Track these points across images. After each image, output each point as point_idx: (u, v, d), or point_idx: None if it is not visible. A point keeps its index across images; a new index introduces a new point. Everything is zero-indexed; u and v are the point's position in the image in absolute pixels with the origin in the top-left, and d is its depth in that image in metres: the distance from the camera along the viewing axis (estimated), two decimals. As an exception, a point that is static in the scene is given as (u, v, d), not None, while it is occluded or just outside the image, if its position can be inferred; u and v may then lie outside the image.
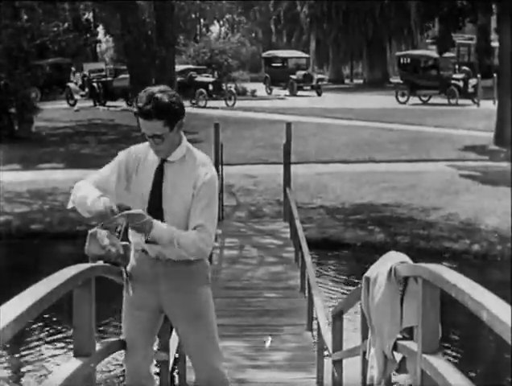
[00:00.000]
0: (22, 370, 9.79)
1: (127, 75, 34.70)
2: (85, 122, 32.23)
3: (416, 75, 38.71)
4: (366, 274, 4.55)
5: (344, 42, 52.19)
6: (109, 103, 38.20)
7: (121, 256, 4.47)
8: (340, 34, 51.47)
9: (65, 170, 21.51)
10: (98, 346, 4.16)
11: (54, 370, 9.30)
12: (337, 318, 6.33)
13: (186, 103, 34.88)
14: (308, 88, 44.48)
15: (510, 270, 12.66)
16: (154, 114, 4.21)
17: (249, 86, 45.14)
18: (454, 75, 38.19)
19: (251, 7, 71.16)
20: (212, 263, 10.94)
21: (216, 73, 42.71)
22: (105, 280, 4.61)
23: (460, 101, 36.25)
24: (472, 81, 37.04)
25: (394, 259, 4.36)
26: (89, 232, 4.50)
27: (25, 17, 31.25)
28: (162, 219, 4.35)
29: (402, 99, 38.32)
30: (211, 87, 37.45)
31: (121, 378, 9.11)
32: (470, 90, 36.77)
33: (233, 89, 38.71)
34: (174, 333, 6.05)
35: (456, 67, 41.29)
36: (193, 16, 75.12)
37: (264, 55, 52.37)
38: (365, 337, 4.87)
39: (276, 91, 45.72)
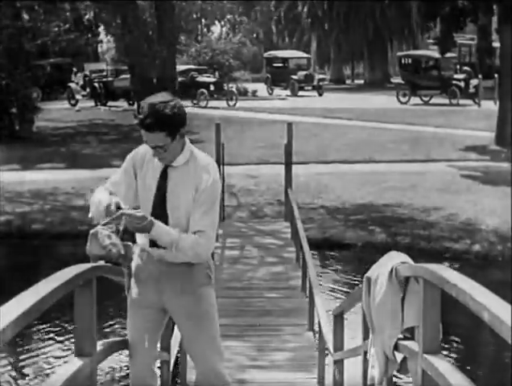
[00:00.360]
0: (23, 370, 9.79)
1: (128, 76, 34.76)
2: (86, 122, 32.24)
3: (417, 76, 38.70)
4: (367, 274, 4.56)
5: (346, 42, 52.20)
6: (110, 103, 38.22)
7: (123, 256, 4.47)
8: (341, 34, 51.47)
9: (66, 170, 21.52)
10: (99, 346, 4.16)
11: (55, 370, 9.30)
12: (338, 318, 6.33)
13: (187, 103, 34.85)
14: (309, 88, 44.48)
15: (511, 270, 12.66)
16: (156, 127, 4.21)
17: (251, 86, 45.15)
18: (455, 76, 38.18)
19: (252, 7, 71.19)
20: (214, 263, 10.94)
21: (217, 73, 42.73)
22: (106, 280, 4.62)
23: (461, 101, 36.25)
24: (474, 81, 37.03)
25: (395, 259, 4.37)
26: (90, 231, 4.50)
27: (26, 17, 31.27)
28: (166, 222, 4.37)
29: (403, 99, 38.32)
30: (212, 87, 37.46)
31: (125, 375, 9.12)
32: (471, 90, 36.76)
33: (234, 89, 38.71)
34: (175, 333, 6.06)
35: (457, 67, 41.26)
36: (194, 16, 75.15)
37: (265, 55, 52.38)
38: (366, 337, 4.87)
39: (277, 91, 45.73)
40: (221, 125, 16.03)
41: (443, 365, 3.47)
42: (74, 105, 38.77)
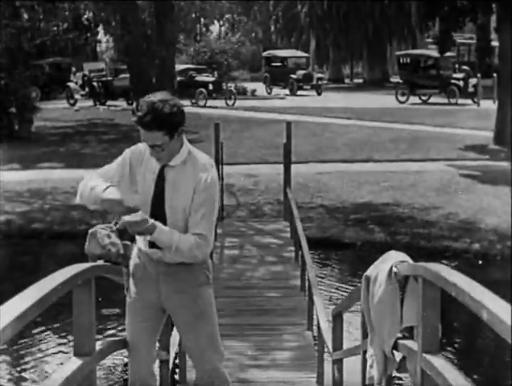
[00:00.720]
0: (23, 370, 9.79)
1: (127, 75, 34.73)
2: (85, 122, 32.22)
3: (416, 75, 38.69)
4: (366, 273, 4.56)
5: (344, 41, 52.17)
6: (109, 102, 38.20)
7: (122, 255, 4.47)
8: (340, 33, 51.44)
9: (65, 169, 21.52)
10: (98, 346, 4.16)
11: (54, 369, 9.31)
12: (337, 317, 6.33)
13: (186, 102, 34.80)
14: (308, 87, 44.44)
15: (510, 269, 12.66)
16: (155, 125, 4.19)
17: (250, 85, 45.13)
18: (454, 75, 38.16)
19: (251, 7, 71.15)
20: (212, 262, 10.95)
21: (216, 73, 42.71)
22: (105, 279, 4.62)
23: (460, 101, 36.24)
24: (472, 81, 37.02)
25: (394, 258, 4.37)
26: (89, 231, 4.50)
27: (25, 16, 31.25)
28: (164, 221, 4.36)
29: (402, 98, 38.31)
30: (211, 86, 37.44)
31: (124, 376, 9.12)
32: (470, 89, 36.74)
33: (233, 89, 38.69)
34: (174, 332, 6.06)
35: (456, 66, 41.26)
36: (193, 16, 75.14)
37: (264, 54, 52.34)
38: (365, 336, 4.87)
39: (276, 90, 45.70)
40: (220, 124, 16.03)
41: (442, 364, 3.47)
42: (73, 105, 38.74)
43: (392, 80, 49.67)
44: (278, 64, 47.57)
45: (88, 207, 4.50)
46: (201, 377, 4.64)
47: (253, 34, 74.60)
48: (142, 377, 4.62)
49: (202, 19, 78.36)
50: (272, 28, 66.23)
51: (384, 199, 17.65)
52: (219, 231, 14.06)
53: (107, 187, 4.28)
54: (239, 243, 13.84)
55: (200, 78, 38.56)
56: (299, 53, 50.45)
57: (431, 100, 38.24)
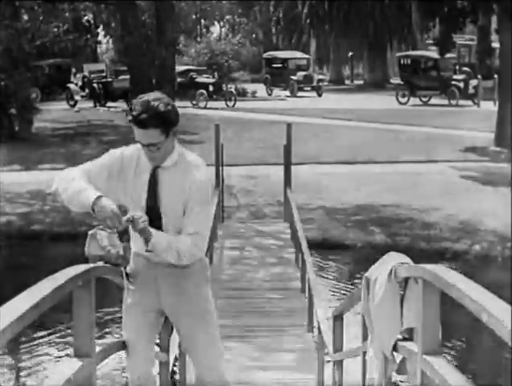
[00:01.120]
0: (23, 370, 9.79)
1: (127, 76, 34.74)
2: (85, 123, 32.24)
3: (416, 76, 38.70)
4: (366, 275, 4.55)
5: (345, 42, 52.20)
6: (109, 104, 38.21)
7: (122, 256, 4.47)
8: (340, 34, 51.43)
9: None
10: (98, 347, 4.16)
11: (54, 370, 9.31)
12: (338, 318, 6.33)
13: (186, 104, 34.79)
14: (309, 88, 44.45)
15: (510, 270, 12.66)
16: (151, 123, 4.19)
17: (250, 87, 45.15)
18: (454, 76, 38.18)
19: (251, 8, 71.15)
20: (212, 264, 10.95)
21: (216, 74, 42.74)
22: (105, 281, 4.61)
23: (461, 102, 36.25)
24: (473, 82, 37.02)
25: (394, 260, 4.36)
26: (89, 232, 4.49)
27: (25, 17, 31.26)
28: (160, 222, 4.36)
29: (402, 100, 38.32)
30: (211, 88, 37.45)
31: (124, 378, 9.11)
32: (471, 91, 36.76)
33: (233, 90, 38.70)
34: (174, 333, 6.05)
35: (457, 68, 41.27)
36: (194, 17, 75.15)
37: (264, 55, 52.35)
38: (365, 337, 4.87)
39: (276, 92, 45.71)
40: (221, 125, 16.04)
41: (442, 366, 3.47)
42: (73, 106, 38.75)
43: (392, 81, 49.66)
44: (279, 66, 47.57)
45: (69, 207, 4.40)
46: (201, 377, 4.64)
47: (254, 36, 74.60)
48: (140, 380, 4.61)
49: (202, 20, 78.39)
50: (272, 29, 66.26)
51: (384, 200, 17.65)
52: (219, 232, 14.06)
53: (100, 196, 4.22)
54: (239, 244, 13.84)
55: (200, 79, 38.58)
56: (300, 54, 50.45)
57: (432, 101, 38.25)
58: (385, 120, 31.07)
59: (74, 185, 4.30)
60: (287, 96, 43.55)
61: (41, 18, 32.03)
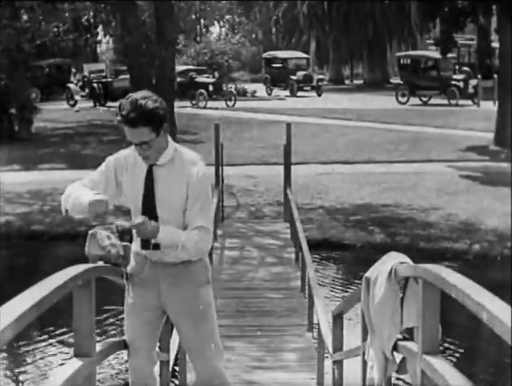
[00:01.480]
0: (23, 371, 9.79)
1: (127, 76, 34.68)
2: (85, 123, 32.24)
3: (416, 76, 38.69)
4: (366, 275, 4.55)
5: (345, 42, 52.16)
6: (109, 103, 38.19)
7: (122, 256, 4.47)
8: (340, 34, 51.42)
9: (65, 170, 21.51)
10: (98, 347, 4.16)
11: (54, 370, 9.31)
12: (338, 318, 6.33)
13: (186, 103, 34.74)
14: (308, 88, 44.45)
15: (510, 270, 12.66)
16: (140, 121, 4.19)
17: (250, 87, 45.15)
18: (454, 76, 38.17)
19: (251, 8, 71.15)
20: (212, 263, 10.95)
21: (216, 74, 42.70)
22: (105, 280, 4.61)
23: (461, 102, 36.25)
24: (473, 82, 37.02)
25: (394, 259, 4.36)
26: (89, 232, 4.50)
27: (25, 17, 31.26)
28: (156, 221, 4.35)
29: (402, 99, 38.32)
30: (211, 87, 37.45)
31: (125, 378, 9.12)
32: (470, 91, 36.76)
33: (233, 90, 38.71)
34: (174, 333, 6.05)
35: (457, 67, 41.26)
36: (193, 17, 75.13)
37: (264, 55, 52.36)
38: (365, 337, 4.87)
39: (276, 91, 45.71)
40: (220, 125, 16.03)
41: (442, 365, 3.47)
42: (73, 106, 38.76)
43: (392, 81, 49.65)
44: (279, 65, 47.57)
45: (74, 216, 4.50)
46: (200, 377, 4.63)
47: (254, 36, 74.63)
48: (142, 379, 4.61)
49: (202, 20, 78.35)
50: (272, 29, 66.25)
51: (384, 200, 17.65)
52: (219, 232, 14.06)
53: (93, 194, 4.27)
54: (239, 244, 13.84)
55: (200, 79, 38.58)
56: (300, 54, 50.45)
57: (432, 101, 38.25)
58: (384, 120, 31.07)
59: (74, 194, 4.38)
60: (287, 96, 43.54)
61: (41, 18, 32.04)
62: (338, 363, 6.42)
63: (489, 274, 13.30)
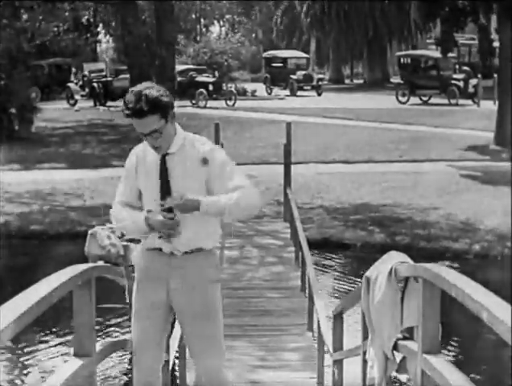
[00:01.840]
0: (23, 370, 9.79)
1: (127, 76, 34.70)
2: (85, 122, 32.22)
3: (416, 76, 38.68)
4: (367, 274, 4.55)
5: (345, 42, 52.17)
6: (109, 103, 38.17)
7: (122, 256, 4.47)
8: (340, 34, 51.43)
9: (65, 170, 21.52)
10: (99, 346, 4.16)
11: (54, 370, 9.31)
12: (338, 317, 6.33)
13: (186, 103, 34.70)
14: (308, 88, 44.45)
15: (510, 270, 12.66)
16: (148, 110, 4.23)
17: (250, 86, 45.12)
18: (454, 76, 38.16)
19: (251, 7, 71.16)
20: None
21: (216, 73, 42.69)
22: (105, 280, 4.61)
23: (461, 101, 36.24)
24: (473, 81, 37.02)
25: (394, 259, 4.36)
26: (89, 232, 4.50)
27: (24, 17, 31.26)
28: (172, 210, 4.36)
29: (402, 99, 38.32)
30: (211, 87, 37.44)
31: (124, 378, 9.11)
32: (470, 90, 36.75)
33: (233, 89, 38.70)
34: (174, 332, 6.05)
35: (457, 67, 41.25)
36: (193, 16, 75.13)
37: (264, 55, 52.36)
38: (365, 337, 4.87)
39: (276, 91, 45.71)
40: (220, 125, 16.03)
41: (442, 365, 3.47)
42: (73, 105, 38.74)
43: (392, 80, 49.66)
44: (279, 65, 47.57)
45: (137, 237, 4.59)
46: (202, 377, 4.61)
47: (254, 35, 74.64)
48: (149, 379, 4.55)
49: (202, 20, 78.35)
50: (272, 29, 66.22)
51: (384, 199, 17.65)
52: (219, 231, 14.04)
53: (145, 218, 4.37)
54: (239, 244, 13.84)
55: (200, 78, 38.56)
56: (300, 54, 50.45)
57: (432, 100, 38.25)
58: (385, 119, 31.06)
59: (124, 224, 4.46)
60: (287, 96, 43.53)
61: (41, 17, 32.04)
62: (338, 363, 6.42)
63: (489, 274, 13.30)
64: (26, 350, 10.28)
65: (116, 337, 10.07)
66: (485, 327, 2.85)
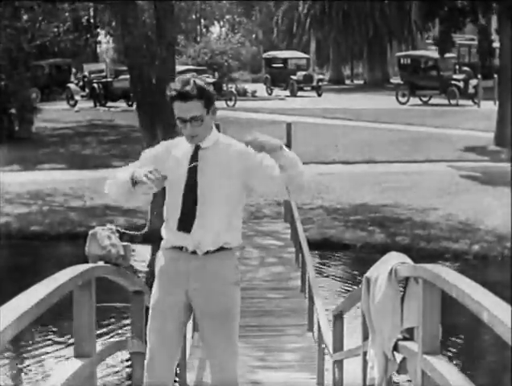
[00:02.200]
0: (23, 371, 9.78)
1: (127, 76, 34.65)
2: (85, 123, 32.22)
3: (416, 76, 38.67)
4: (367, 274, 4.55)
5: (345, 42, 52.16)
6: (109, 104, 38.18)
7: (122, 256, 4.46)
8: (340, 34, 51.41)
9: (65, 170, 21.52)
10: (99, 347, 4.16)
11: (55, 370, 9.31)
12: (338, 318, 6.33)
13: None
14: (309, 88, 44.43)
15: (510, 270, 12.66)
16: (194, 94, 4.29)
17: (250, 87, 45.13)
18: (454, 76, 38.16)
19: (251, 8, 71.13)
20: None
21: (216, 74, 42.68)
22: (106, 280, 4.61)
23: (461, 102, 36.23)
24: (473, 82, 37.00)
25: (394, 259, 4.36)
26: (90, 232, 4.49)
27: (25, 17, 31.24)
28: (195, 205, 4.36)
29: (402, 99, 38.30)
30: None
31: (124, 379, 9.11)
32: (470, 91, 36.74)
33: (233, 90, 38.70)
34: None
35: (457, 67, 41.24)
36: (193, 17, 75.13)
37: (264, 55, 52.34)
38: (365, 337, 4.87)
39: (276, 91, 45.69)
40: (220, 125, 15.99)
41: (442, 365, 3.47)
42: (73, 106, 38.73)
43: (392, 81, 49.64)
44: (279, 65, 47.55)
45: (123, 201, 4.48)
46: (216, 377, 4.56)
47: (254, 36, 74.60)
48: (162, 381, 4.49)
49: (202, 20, 78.35)
50: (273, 29, 66.20)
51: (384, 200, 17.65)
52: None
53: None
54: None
55: (200, 79, 38.54)
56: (300, 54, 50.43)
57: (432, 101, 38.24)
58: (385, 120, 31.05)
59: (117, 177, 4.37)
60: (287, 96, 43.52)
61: (41, 17, 32.03)
62: (338, 363, 6.42)
63: (489, 274, 13.31)
64: (26, 350, 10.28)
65: (116, 336, 10.08)
66: (485, 327, 2.85)
